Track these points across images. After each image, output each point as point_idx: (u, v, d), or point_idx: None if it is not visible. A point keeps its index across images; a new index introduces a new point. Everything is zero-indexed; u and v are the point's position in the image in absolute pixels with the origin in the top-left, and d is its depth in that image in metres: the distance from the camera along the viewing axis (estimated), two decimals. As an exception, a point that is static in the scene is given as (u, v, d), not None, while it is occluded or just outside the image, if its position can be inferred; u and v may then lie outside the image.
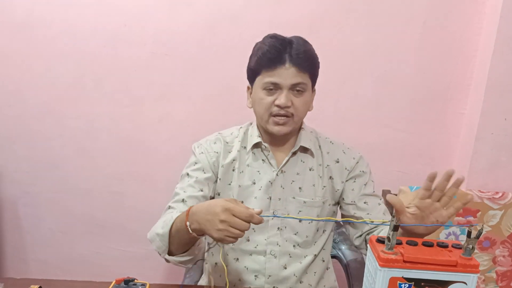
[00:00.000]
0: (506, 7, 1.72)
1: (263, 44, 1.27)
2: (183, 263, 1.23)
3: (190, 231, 1.09)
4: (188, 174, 1.35)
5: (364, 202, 1.35)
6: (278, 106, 1.25)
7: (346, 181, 1.38)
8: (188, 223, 1.09)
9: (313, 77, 1.31)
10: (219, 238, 1.03)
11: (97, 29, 1.88)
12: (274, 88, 1.25)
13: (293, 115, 1.27)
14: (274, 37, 1.27)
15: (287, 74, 1.23)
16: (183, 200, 1.28)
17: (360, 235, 1.36)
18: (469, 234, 0.87)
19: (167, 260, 1.23)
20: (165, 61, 1.91)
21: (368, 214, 1.34)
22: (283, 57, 1.23)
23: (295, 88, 1.25)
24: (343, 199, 1.38)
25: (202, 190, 1.31)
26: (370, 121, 1.95)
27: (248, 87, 1.36)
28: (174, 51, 1.90)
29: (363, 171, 1.39)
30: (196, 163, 1.36)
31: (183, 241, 1.16)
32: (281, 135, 1.30)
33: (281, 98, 1.24)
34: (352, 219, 1.34)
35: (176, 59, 1.90)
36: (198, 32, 1.88)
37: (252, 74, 1.30)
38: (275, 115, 1.27)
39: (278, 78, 1.24)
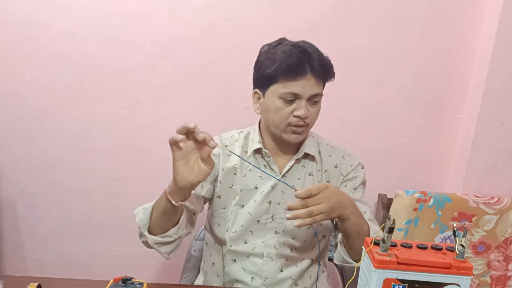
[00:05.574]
0: (505, 12, 1.72)
1: (283, 53, 1.23)
2: (160, 244, 1.24)
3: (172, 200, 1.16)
4: None
5: None
6: (297, 117, 1.24)
7: (339, 186, 1.38)
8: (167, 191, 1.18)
9: (325, 85, 1.31)
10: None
11: (96, 31, 1.89)
12: (293, 98, 1.24)
13: (308, 125, 1.28)
14: (294, 46, 1.24)
15: (307, 85, 1.22)
16: None
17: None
18: (454, 233, 0.89)
19: (145, 242, 1.26)
20: (163, 63, 1.91)
21: None
22: (305, 67, 1.21)
23: (312, 99, 1.25)
24: None
25: (194, 190, 1.33)
26: (367, 124, 1.96)
27: (255, 92, 1.33)
28: (172, 53, 1.90)
29: (354, 177, 1.39)
30: None
31: (164, 212, 1.20)
32: (296, 143, 1.31)
33: (301, 110, 1.23)
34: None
35: (174, 61, 1.91)
36: (197, 34, 1.88)
37: (267, 81, 1.26)
38: (294, 125, 1.26)
39: (299, 89, 1.22)
